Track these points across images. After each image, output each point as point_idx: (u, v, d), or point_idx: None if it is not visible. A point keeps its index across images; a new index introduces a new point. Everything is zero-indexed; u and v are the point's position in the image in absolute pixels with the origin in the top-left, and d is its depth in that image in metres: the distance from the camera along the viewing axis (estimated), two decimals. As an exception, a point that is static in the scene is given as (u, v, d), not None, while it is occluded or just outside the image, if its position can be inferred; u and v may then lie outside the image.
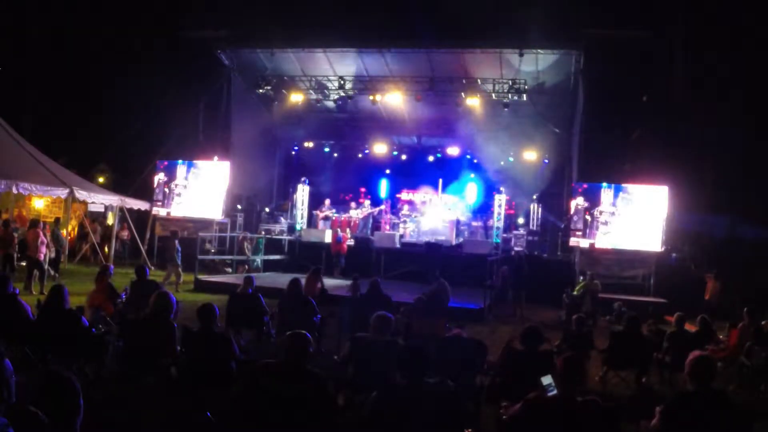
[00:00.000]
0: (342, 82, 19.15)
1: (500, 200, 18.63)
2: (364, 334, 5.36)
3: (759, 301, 9.86)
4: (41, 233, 12.68)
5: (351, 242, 17.87)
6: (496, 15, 16.79)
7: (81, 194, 15.09)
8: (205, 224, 18.14)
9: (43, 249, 12.63)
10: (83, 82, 24.37)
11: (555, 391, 3.71)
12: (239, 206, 19.92)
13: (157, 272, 15.64)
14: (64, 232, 15.53)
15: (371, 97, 19.40)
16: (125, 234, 18.85)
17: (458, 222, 19.79)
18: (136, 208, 17.85)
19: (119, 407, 5.20)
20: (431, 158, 22.80)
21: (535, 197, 21.21)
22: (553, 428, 3.54)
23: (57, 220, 15.32)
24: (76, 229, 19.14)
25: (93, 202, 16.69)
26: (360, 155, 23.31)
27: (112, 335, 6.72)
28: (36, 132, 20.90)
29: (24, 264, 13.69)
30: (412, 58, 18.36)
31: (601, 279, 13.96)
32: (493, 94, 18.44)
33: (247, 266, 17.15)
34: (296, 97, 19.83)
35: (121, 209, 17.51)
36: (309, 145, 23.46)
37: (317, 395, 3.69)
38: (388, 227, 20.33)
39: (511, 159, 21.92)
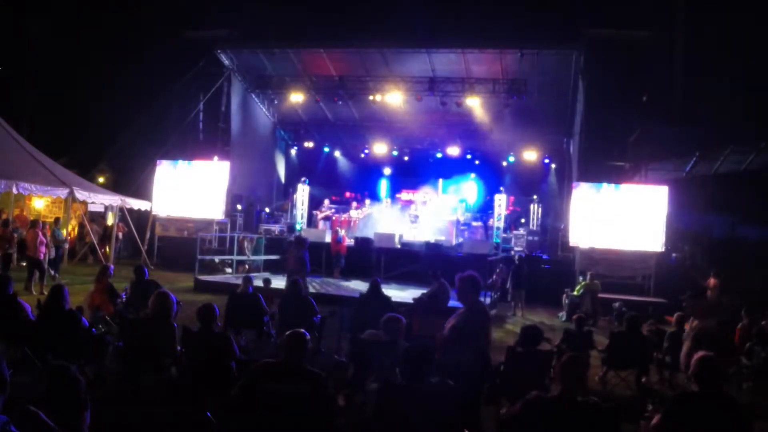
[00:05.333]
0: (342, 82, 19.15)
1: (500, 200, 18.64)
2: (369, 331, 5.39)
3: (759, 301, 9.86)
4: (40, 233, 12.67)
5: (351, 242, 17.87)
6: (496, 15, 16.80)
7: (81, 194, 15.08)
8: (205, 224, 18.14)
9: (43, 249, 12.63)
10: (83, 82, 24.36)
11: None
12: (239, 206, 19.92)
13: (157, 272, 15.64)
14: (64, 232, 15.53)
15: (371, 97, 19.39)
16: (121, 232, 18.83)
17: (458, 222, 19.78)
18: (136, 208, 17.84)
19: (119, 407, 5.19)
20: (431, 158, 22.80)
21: (535, 197, 21.23)
22: (553, 428, 3.54)
23: (57, 220, 15.32)
24: (76, 229, 19.13)
25: (93, 202, 16.68)
26: (360, 155, 23.31)
27: (112, 335, 6.73)
28: (36, 132, 20.89)
29: (24, 264, 13.69)
30: (412, 58, 18.35)
31: (601, 279, 13.96)
32: (493, 94, 18.44)
33: (247, 266, 17.14)
34: (296, 97, 19.83)
35: (121, 209, 17.50)
36: (309, 145, 23.46)
37: (317, 395, 3.70)
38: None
39: (512, 159, 21.94)
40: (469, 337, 4.52)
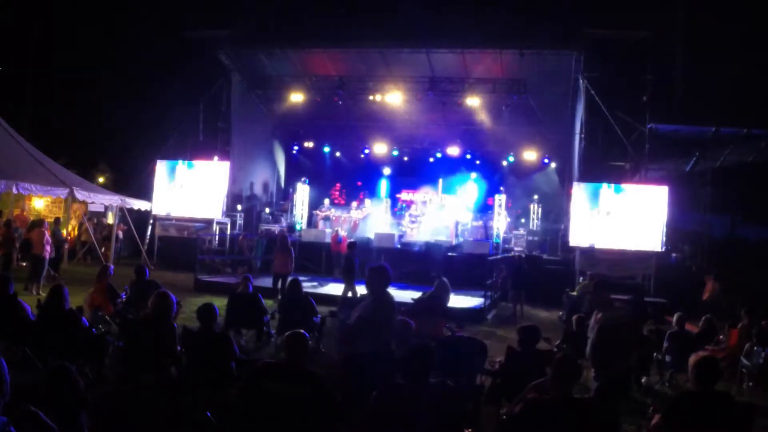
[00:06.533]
0: (342, 82, 19.15)
1: (500, 200, 18.64)
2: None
3: (759, 301, 9.86)
4: (46, 233, 12.71)
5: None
6: (496, 15, 16.79)
7: (81, 194, 15.09)
8: (205, 224, 18.14)
9: (49, 248, 12.66)
10: (83, 82, 24.38)
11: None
12: (239, 206, 19.93)
13: (157, 272, 15.64)
14: (64, 232, 15.53)
15: (371, 97, 19.38)
16: (121, 232, 18.87)
17: (458, 222, 19.79)
18: (136, 208, 17.85)
19: (119, 407, 5.20)
20: (431, 158, 22.80)
21: (535, 197, 21.21)
22: (553, 428, 3.55)
23: (57, 220, 15.32)
24: (76, 229, 19.13)
25: (93, 202, 16.69)
26: (360, 155, 23.32)
27: (112, 335, 6.73)
28: (36, 132, 20.89)
29: (24, 264, 13.70)
30: (412, 58, 18.34)
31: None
32: (493, 94, 18.44)
33: (247, 266, 17.15)
34: (296, 97, 19.82)
35: (121, 209, 17.51)
36: (309, 145, 23.47)
37: (317, 395, 3.70)
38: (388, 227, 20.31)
39: (512, 159, 21.94)
40: (374, 327, 4.59)
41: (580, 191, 16.02)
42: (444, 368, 4.71)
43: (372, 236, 18.09)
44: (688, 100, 18.21)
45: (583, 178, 16.55)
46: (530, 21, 16.54)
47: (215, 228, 18.28)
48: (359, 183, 23.15)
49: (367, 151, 22.95)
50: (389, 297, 4.95)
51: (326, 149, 23.59)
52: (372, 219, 20.26)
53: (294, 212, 20.43)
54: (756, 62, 17.43)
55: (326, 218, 20.02)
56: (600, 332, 5.33)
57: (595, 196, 15.71)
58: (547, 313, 13.67)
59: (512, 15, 16.65)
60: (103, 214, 20.32)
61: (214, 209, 18.32)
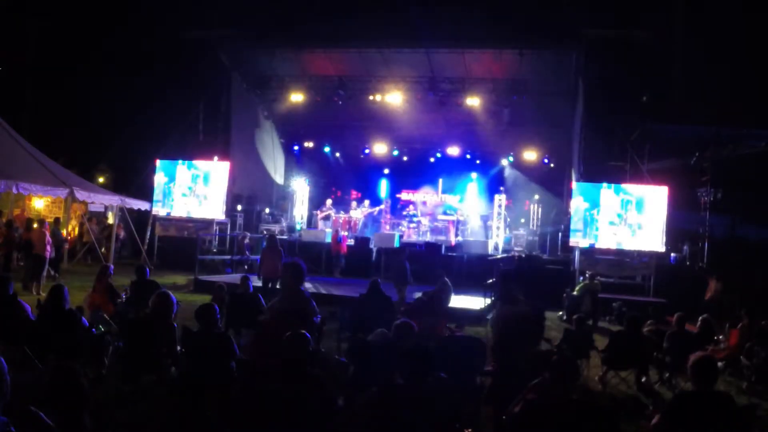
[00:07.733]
0: (342, 82, 19.14)
1: (500, 200, 18.64)
2: (379, 330, 5.41)
3: (759, 301, 9.87)
4: (47, 233, 12.71)
5: (351, 242, 17.88)
6: (495, 15, 16.77)
7: (81, 194, 15.08)
8: (205, 224, 18.15)
9: (49, 248, 12.66)
10: (83, 81, 24.36)
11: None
12: (239, 206, 19.92)
13: (157, 272, 15.63)
14: (64, 232, 15.53)
15: (371, 97, 19.39)
16: (121, 232, 18.87)
17: (458, 222, 19.80)
18: (136, 208, 17.84)
19: (119, 407, 5.20)
20: (431, 158, 22.81)
21: (535, 197, 21.22)
22: (553, 429, 3.55)
23: (57, 220, 15.32)
24: (76, 229, 19.13)
25: (93, 202, 16.69)
26: (360, 155, 23.34)
27: (112, 335, 6.73)
28: (36, 132, 20.87)
29: (22, 264, 13.69)
30: (412, 58, 18.36)
31: (601, 279, 13.96)
32: (493, 94, 18.44)
33: (246, 266, 17.14)
34: (296, 97, 19.83)
35: (121, 209, 17.51)
36: (309, 145, 23.48)
37: (317, 395, 3.70)
38: (388, 227, 20.34)
39: (511, 159, 21.95)
40: (290, 320, 4.64)
41: (579, 191, 16.02)
42: (444, 368, 4.71)
43: (371, 236, 18.10)
44: (688, 100, 18.19)
45: (583, 178, 16.55)
46: (530, 21, 16.53)
47: (215, 228, 18.28)
48: (360, 191, 23.13)
49: (367, 151, 22.96)
50: (303, 291, 5.06)
51: (326, 149, 23.60)
52: (371, 219, 20.28)
53: (294, 212, 20.43)
54: (756, 62, 17.40)
55: (326, 218, 20.03)
56: (501, 325, 5.36)
57: (595, 196, 15.71)
58: (547, 313, 13.65)
59: (512, 15, 16.63)
60: (104, 214, 20.32)
61: (214, 209, 18.32)
